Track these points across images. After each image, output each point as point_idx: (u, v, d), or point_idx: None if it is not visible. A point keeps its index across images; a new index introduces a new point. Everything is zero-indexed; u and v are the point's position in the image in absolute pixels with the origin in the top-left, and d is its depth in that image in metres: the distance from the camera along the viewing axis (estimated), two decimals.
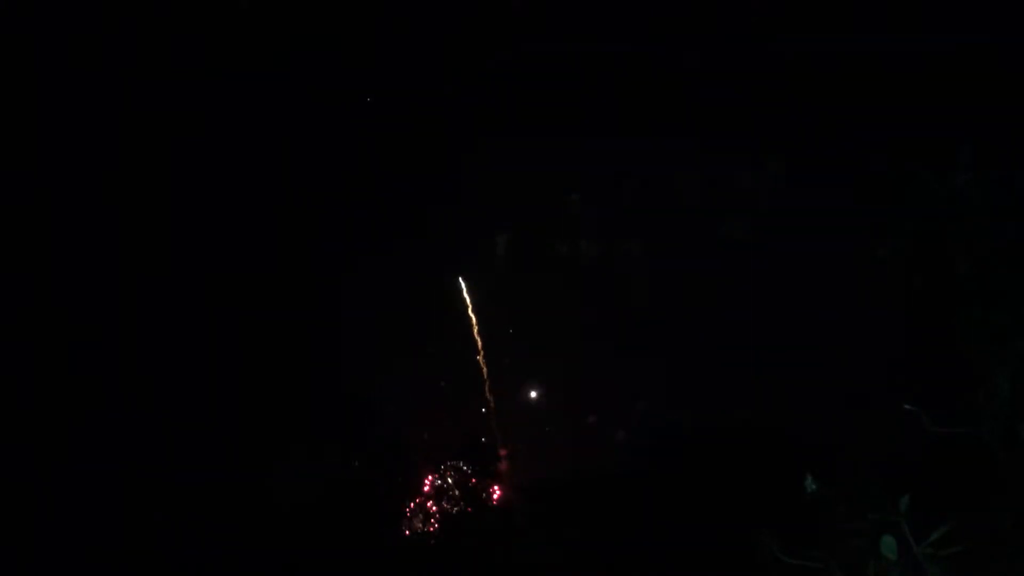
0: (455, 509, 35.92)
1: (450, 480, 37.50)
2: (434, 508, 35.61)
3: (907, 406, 7.40)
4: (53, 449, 18.72)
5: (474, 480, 37.69)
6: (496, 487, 40.94)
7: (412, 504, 35.47)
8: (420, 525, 34.89)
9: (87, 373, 20.88)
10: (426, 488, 37.14)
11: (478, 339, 59.44)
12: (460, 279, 62.35)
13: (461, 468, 38.44)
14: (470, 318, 60.08)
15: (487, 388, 57.91)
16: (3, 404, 18.86)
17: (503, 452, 48.86)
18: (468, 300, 61.06)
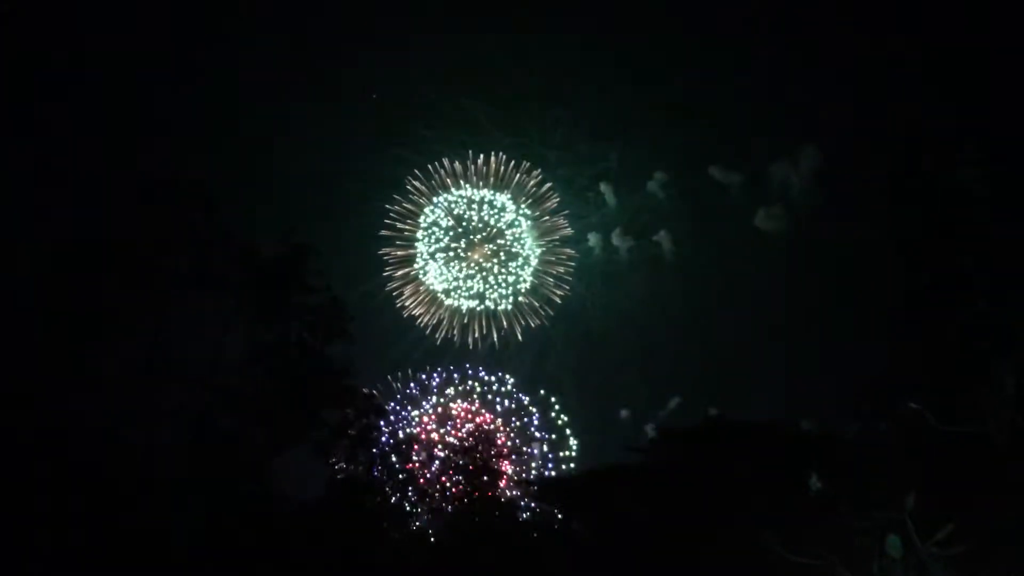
0: (459, 506, 35.87)
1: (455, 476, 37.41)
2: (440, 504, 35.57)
3: (912, 404, 7.38)
4: (45, 446, 18.66)
5: (479, 474, 37.60)
6: (500, 483, 40.88)
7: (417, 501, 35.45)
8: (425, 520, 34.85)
9: (83, 371, 20.82)
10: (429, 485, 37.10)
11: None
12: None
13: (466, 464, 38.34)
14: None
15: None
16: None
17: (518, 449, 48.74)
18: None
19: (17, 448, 17.18)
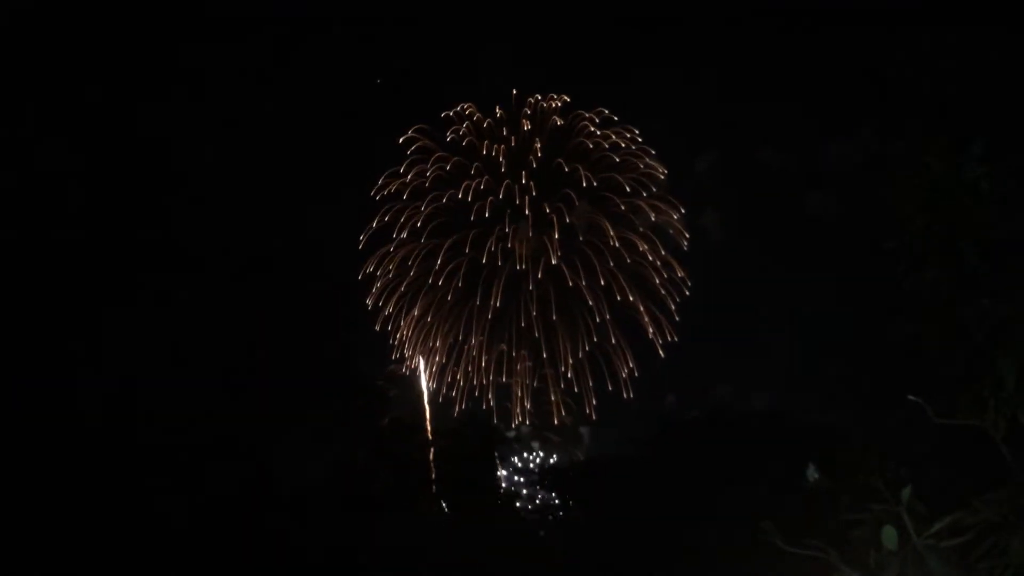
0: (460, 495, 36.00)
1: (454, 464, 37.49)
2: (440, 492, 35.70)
3: (911, 397, 7.38)
4: (44, 438, 18.62)
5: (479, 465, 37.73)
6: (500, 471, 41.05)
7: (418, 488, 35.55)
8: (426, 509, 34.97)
9: (75, 362, 20.79)
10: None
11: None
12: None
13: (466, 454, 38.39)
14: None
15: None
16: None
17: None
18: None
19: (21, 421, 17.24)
